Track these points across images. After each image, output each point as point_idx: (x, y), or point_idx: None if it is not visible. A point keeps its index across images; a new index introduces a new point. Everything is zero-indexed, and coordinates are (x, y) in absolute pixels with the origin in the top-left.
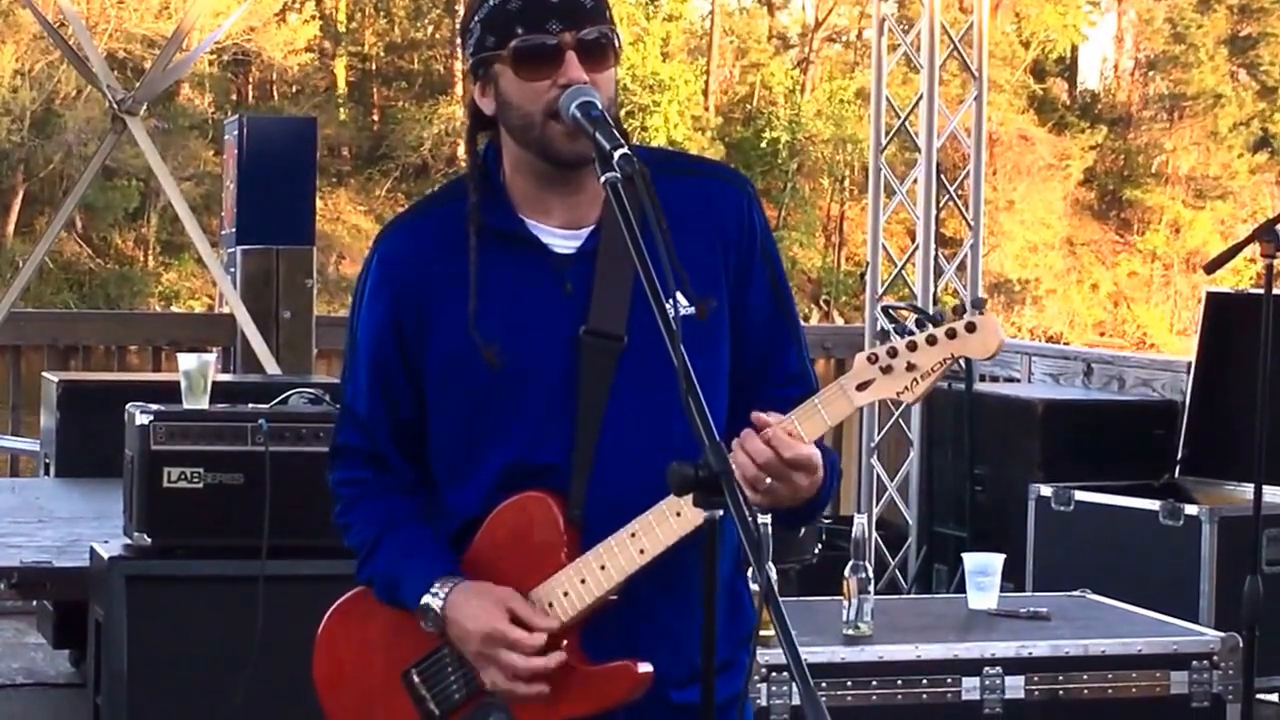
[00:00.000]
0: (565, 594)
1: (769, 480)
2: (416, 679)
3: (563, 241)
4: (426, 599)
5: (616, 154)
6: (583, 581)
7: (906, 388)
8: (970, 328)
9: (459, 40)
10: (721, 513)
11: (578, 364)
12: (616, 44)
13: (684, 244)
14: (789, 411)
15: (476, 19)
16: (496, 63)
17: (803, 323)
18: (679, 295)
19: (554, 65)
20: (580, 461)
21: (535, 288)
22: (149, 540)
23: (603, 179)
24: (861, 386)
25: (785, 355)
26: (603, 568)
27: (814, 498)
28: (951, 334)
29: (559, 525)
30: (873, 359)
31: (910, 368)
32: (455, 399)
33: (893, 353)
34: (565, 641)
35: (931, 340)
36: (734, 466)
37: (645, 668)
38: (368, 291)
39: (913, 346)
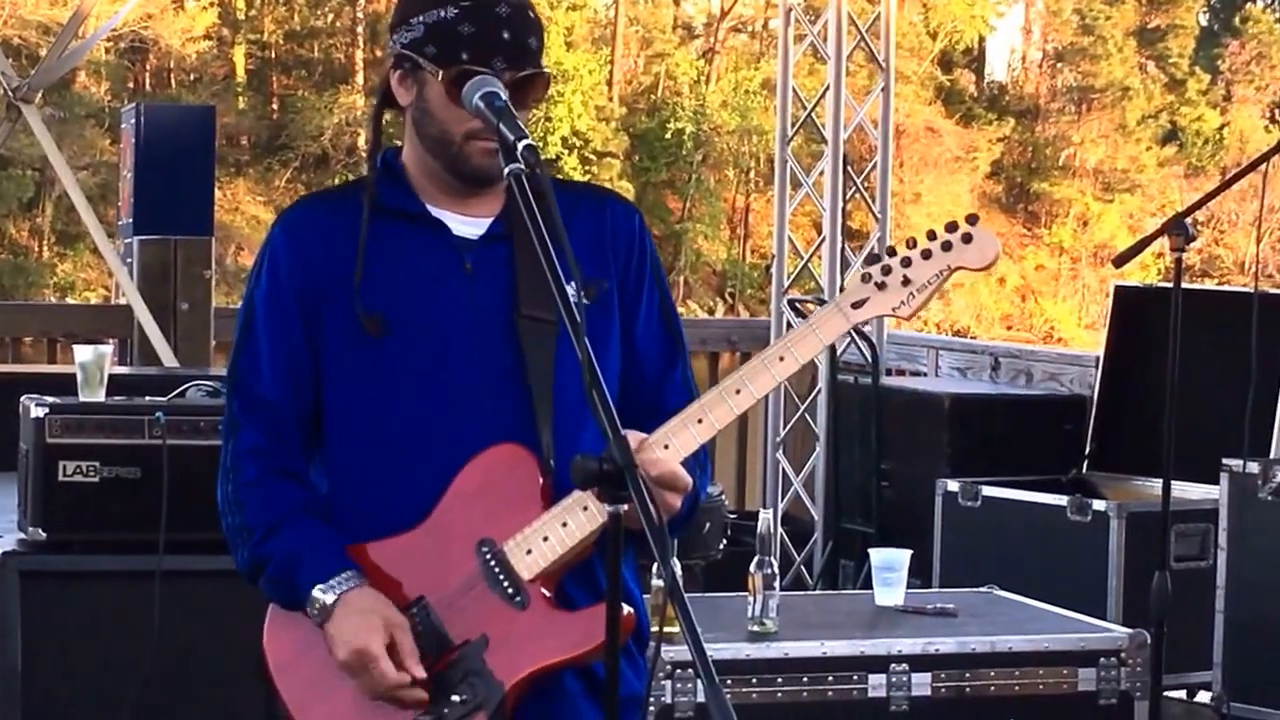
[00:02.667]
0: (545, 539)
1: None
2: None
3: (463, 226)
4: (319, 590)
5: (520, 145)
6: (564, 525)
7: (903, 302)
8: (966, 239)
9: (390, 21)
10: (625, 506)
11: (518, 346)
12: (548, 84)
13: (578, 248)
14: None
15: (421, 20)
16: (427, 72)
17: (708, 316)
18: (570, 287)
19: None
20: (544, 437)
21: (433, 265)
22: (44, 535)
23: (506, 170)
24: (857, 305)
25: (673, 373)
26: (585, 508)
27: (680, 511)
28: (947, 246)
29: (533, 471)
30: (866, 278)
31: (905, 282)
32: (353, 371)
33: (886, 270)
34: (545, 591)
35: (926, 254)
36: None
37: (628, 609)
38: (265, 270)
39: (907, 262)
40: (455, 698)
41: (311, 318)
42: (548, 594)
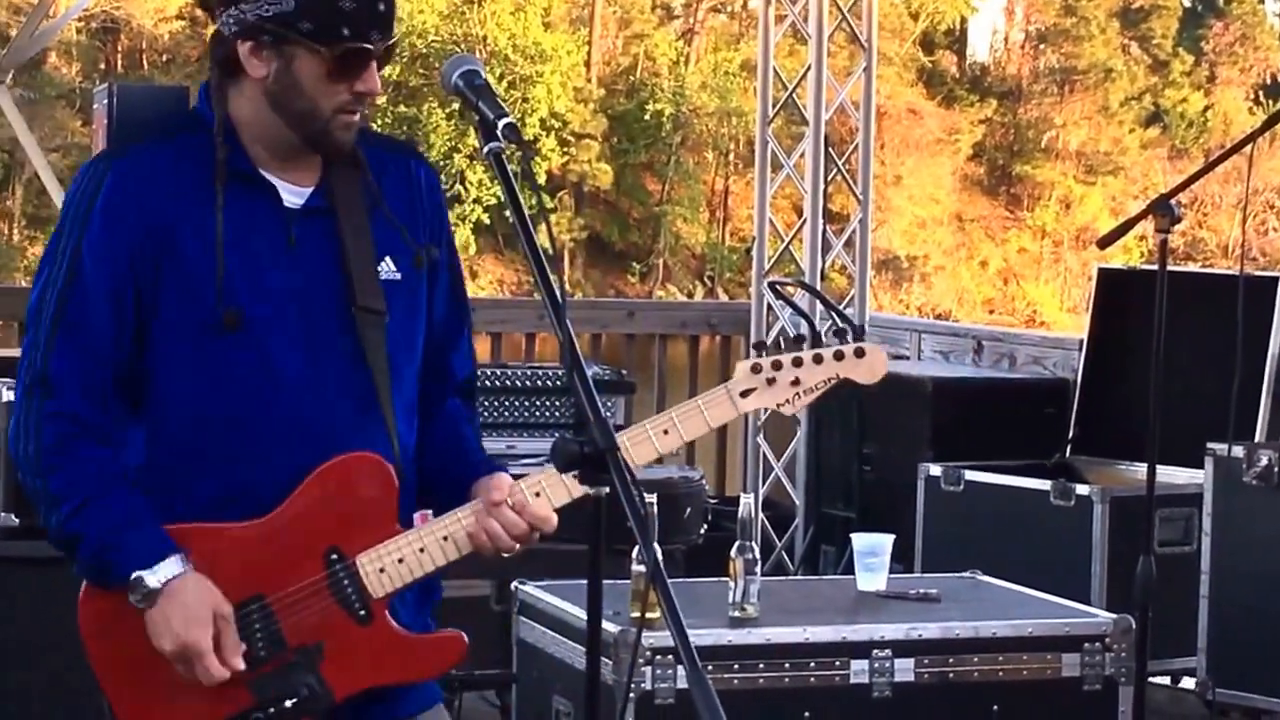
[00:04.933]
0: (400, 560)
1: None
2: None
3: (289, 195)
4: (144, 573)
5: (501, 123)
6: (421, 550)
7: (788, 400)
8: (859, 353)
9: None
10: (608, 489)
11: (356, 338)
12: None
13: (397, 213)
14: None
15: None
16: (300, 47)
17: (687, 299)
18: (389, 260)
19: (360, 72)
20: (390, 427)
21: (265, 236)
22: (15, 520)
23: (486, 149)
24: (745, 394)
25: (460, 339)
26: (445, 539)
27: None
28: (839, 356)
29: (393, 488)
30: (756, 369)
31: (795, 382)
32: (191, 345)
33: (778, 365)
34: (387, 611)
35: (818, 359)
36: (490, 538)
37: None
38: (99, 212)
39: (798, 363)
40: (286, 703)
41: (145, 272)
42: (389, 614)
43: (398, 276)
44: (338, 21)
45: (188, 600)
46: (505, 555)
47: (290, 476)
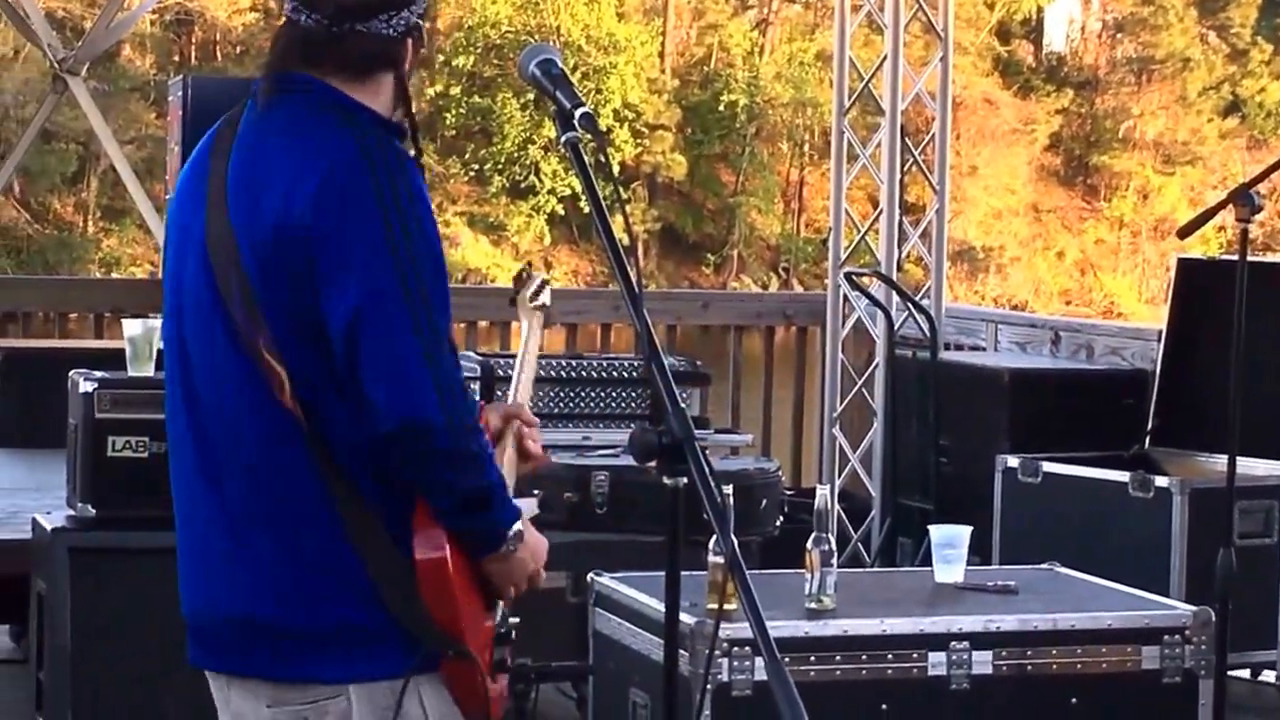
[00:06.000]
0: None
1: None
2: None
3: None
4: (517, 524)
5: (578, 113)
6: None
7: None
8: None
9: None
10: (685, 480)
11: None
12: None
13: None
14: None
15: None
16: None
17: (762, 290)
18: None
19: None
20: None
21: None
22: (93, 511)
23: (563, 138)
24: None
25: None
26: None
27: None
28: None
29: None
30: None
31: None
32: None
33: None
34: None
35: None
36: None
37: None
38: (421, 190)
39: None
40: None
41: None
42: None
43: None
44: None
45: (530, 538)
46: None
47: None
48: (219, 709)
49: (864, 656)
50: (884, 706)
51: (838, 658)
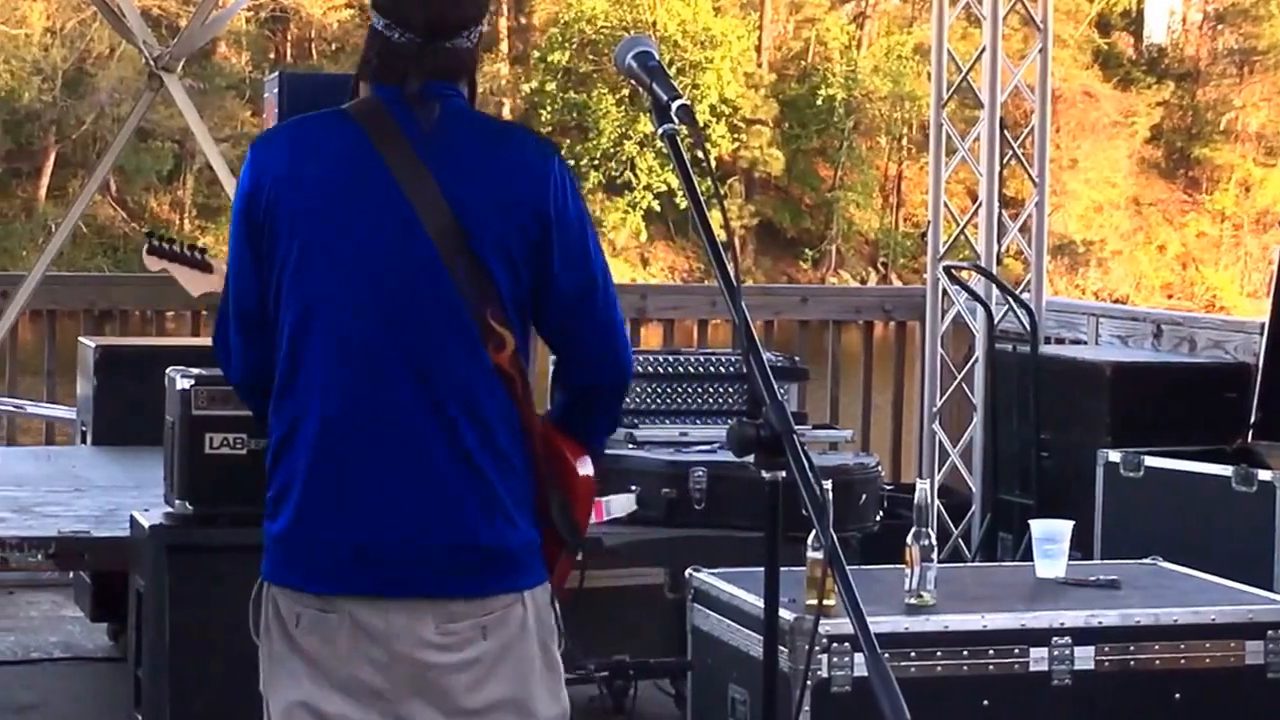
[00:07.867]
0: None
1: None
2: None
3: None
4: None
5: (675, 105)
6: None
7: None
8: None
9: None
10: (784, 474)
11: None
12: None
13: None
14: None
15: None
16: None
17: (860, 285)
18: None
19: None
20: None
21: None
22: (191, 508)
23: (660, 130)
24: None
25: None
26: None
27: None
28: None
29: None
30: None
31: None
32: None
33: None
34: None
35: None
36: None
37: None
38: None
39: None
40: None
41: None
42: None
43: None
44: None
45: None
46: None
47: None
48: (345, 638)
49: (965, 652)
50: (985, 702)
51: (938, 653)
